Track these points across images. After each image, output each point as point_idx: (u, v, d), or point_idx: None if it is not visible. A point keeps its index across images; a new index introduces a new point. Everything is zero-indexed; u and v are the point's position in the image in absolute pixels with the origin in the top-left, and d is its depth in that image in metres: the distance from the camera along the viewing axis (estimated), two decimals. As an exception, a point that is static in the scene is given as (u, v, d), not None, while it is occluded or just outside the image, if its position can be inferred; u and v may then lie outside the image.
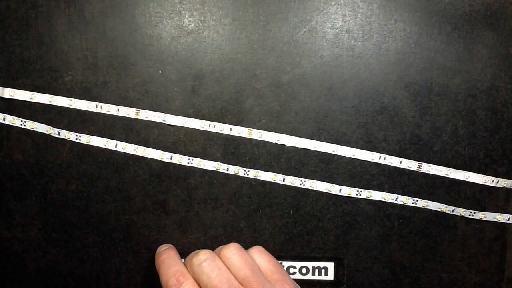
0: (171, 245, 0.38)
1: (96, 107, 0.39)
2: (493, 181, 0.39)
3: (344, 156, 0.39)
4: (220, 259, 0.34)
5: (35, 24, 0.38)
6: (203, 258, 0.33)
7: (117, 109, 0.39)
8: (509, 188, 0.39)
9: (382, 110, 0.39)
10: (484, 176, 0.39)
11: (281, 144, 0.39)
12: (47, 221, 0.40)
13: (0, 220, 0.39)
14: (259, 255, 0.35)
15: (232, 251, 0.34)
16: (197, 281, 0.33)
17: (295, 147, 0.39)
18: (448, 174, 0.39)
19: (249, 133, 0.39)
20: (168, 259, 0.35)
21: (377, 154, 0.39)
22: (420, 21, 0.38)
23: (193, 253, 0.35)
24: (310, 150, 0.39)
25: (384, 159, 0.39)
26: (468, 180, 0.39)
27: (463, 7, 0.38)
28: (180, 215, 0.40)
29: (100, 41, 0.38)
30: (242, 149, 0.39)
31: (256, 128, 0.39)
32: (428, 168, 0.39)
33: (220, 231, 0.40)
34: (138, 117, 0.39)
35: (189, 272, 0.34)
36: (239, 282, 0.33)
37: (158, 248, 0.38)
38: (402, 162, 0.39)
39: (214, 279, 0.32)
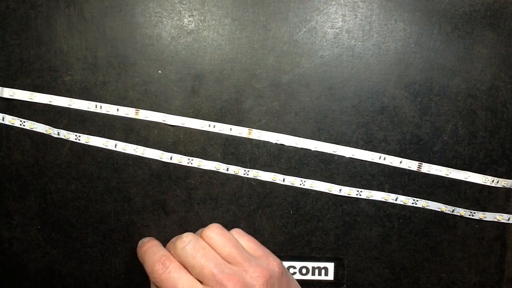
0: (152, 237, 0.38)
1: (96, 107, 0.38)
2: (493, 181, 0.39)
3: (344, 156, 0.39)
4: (203, 239, 0.34)
5: (34, 24, 0.38)
6: (186, 240, 0.33)
7: (116, 109, 0.39)
8: (509, 188, 0.39)
9: (382, 110, 0.39)
10: (484, 176, 0.39)
11: (281, 144, 0.39)
12: (46, 221, 0.40)
13: (-1, 220, 0.39)
14: (239, 236, 0.36)
15: (213, 230, 0.34)
16: (183, 264, 0.33)
17: (295, 147, 0.39)
18: (448, 174, 0.39)
19: (249, 133, 0.39)
20: (151, 248, 0.35)
21: (377, 154, 0.39)
22: (420, 21, 0.38)
23: (175, 238, 0.35)
24: (310, 150, 0.39)
25: (384, 159, 0.39)
26: (468, 180, 0.39)
27: (463, 7, 0.38)
28: (180, 215, 0.39)
29: (100, 41, 0.38)
30: (242, 149, 0.39)
31: (256, 128, 0.39)
32: (428, 168, 0.39)
33: (220, 231, 0.40)
34: (138, 117, 0.39)
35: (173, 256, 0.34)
36: (225, 260, 0.33)
37: (140, 242, 0.38)
38: (402, 162, 0.39)
39: (199, 259, 0.32)
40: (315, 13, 0.38)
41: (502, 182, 0.39)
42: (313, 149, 0.39)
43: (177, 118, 0.39)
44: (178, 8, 0.38)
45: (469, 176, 0.39)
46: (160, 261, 0.33)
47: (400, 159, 0.39)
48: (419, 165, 0.39)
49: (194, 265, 0.32)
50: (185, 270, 0.33)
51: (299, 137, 0.39)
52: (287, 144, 0.39)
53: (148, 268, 0.34)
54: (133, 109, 0.39)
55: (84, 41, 0.38)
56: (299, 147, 0.39)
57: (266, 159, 0.39)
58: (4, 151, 0.39)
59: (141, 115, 0.39)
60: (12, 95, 0.38)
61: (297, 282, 0.36)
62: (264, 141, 0.39)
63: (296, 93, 0.38)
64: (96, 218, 0.39)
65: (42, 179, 0.39)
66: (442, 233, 0.40)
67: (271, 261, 0.34)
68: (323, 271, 0.40)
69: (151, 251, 0.35)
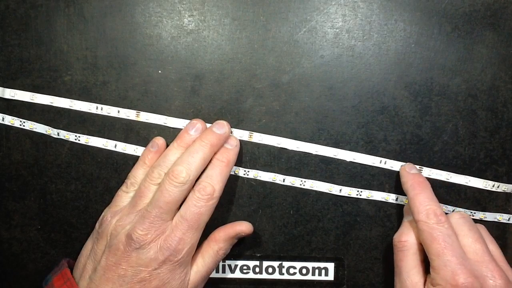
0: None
1: (97, 108, 0.38)
2: (493, 185, 0.39)
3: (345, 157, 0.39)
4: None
5: (34, 24, 0.38)
6: (464, 215, 0.36)
7: (117, 111, 0.39)
8: (510, 193, 0.39)
9: (382, 110, 0.39)
10: (485, 181, 0.39)
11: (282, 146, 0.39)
12: (46, 222, 0.40)
13: (-1, 220, 0.39)
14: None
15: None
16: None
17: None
18: (449, 178, 0.39)
19: (250, 137, 0.39)
20: (426, 191, 0.36)
21: (378, 158, 0.39)
22: (420, 21, 0.38)
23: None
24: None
25: (385, 163, 0.39)
26: (469, 184, 0.39)
27: (463, 7, 0.38)
28: (180, 215, 0.39)
29: (100, 41, 0.38)
30: (242, 149, 0.39)
31: (256, 128, 0.39)
32: (429, 172, 0.39)
33: (220, 231, 0.40)
34: (139, 119, 0.39)
35: None
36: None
37: (408, 167, 0.38)
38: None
39: (476, 233, 0.35)
40: (315, 13, 0.38)
41: (503, 187, 0.39)
42: (314, 153, 0.39)
43: (178, 121, 0.38)
44: (178, 8, 0.38)
45: (469, 181, 0.39)
46: (437, 214, 0.34)
47: (401, 163, 0.39)
48: (420, 169, 0.39)
49: (467, 235, 0.34)
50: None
51: (300, 136, 0.39)
52: (287, 147, 0.39)
53: (419, 209, 0.35)
54: (133, 111, 0.38)
55: (84, 41, 0.38)
56: (300, 150, 0.39)
57: (266, 159, 0.39)
58: (4, 151, 0.39)
59: (141, 117, 0.39)
60: (13, 96, 0.38)
61: None
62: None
63: (296, 93, 0.38)
64: (96, 218, 0.39)
65: (42, 179, 0.39)
66: (442, 233, 0.40)
67: None
68: (323, 271, 0.40)
69: (426, 195, 0.35)
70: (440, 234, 0.33)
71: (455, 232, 0.34)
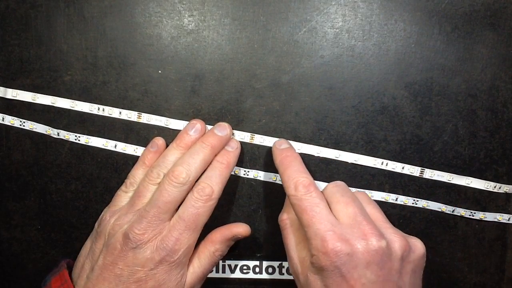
0: (291, 146, 0.38)
1: (98, 109, 0.38)
2: (495, 186, 0.39)
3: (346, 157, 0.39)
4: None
5: (34, 24, 0.38)
6: (339, 183, 0.36)
7: (119, 112, 0.39)
8: (510, 193, 0.39)
9: (382, 110, 0.39)
10: (486, 182, 0.39)
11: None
12: (46, 222, 0.40)
13: (-1, 220, 0.39)
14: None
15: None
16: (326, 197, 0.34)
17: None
18: (450, 179, 0.39)
19: (251, 138, 0.39)
20: (294, 164, 0.35)
21: (380, 160, 0.39)
22: (420, 21, 0.38)
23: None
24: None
25: (387, 164, 0.39)
26: (470, 185, 0.39)
27: (463, 7, 0.38)
28: (180, 215, 0.39)
29: (100, 41, 0.38)
30: (242, 149, 0.39)
31: (256, 128, 0.39)
32: (431, 174, 0.39)
33: (220, 231, 0.40)
34: (140, 120, 0.38)
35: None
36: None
37: (278, 143, 0.37)
38: (404, 168, 0.39)
39: (348, 197, 0.34)
40: (315, 13, 0.38)
41: (504, 188, 0.39)
42: (316, 154, 0.39)
43: (179, 122, 0.38)
44: (178, 8, 0.38)
45: (471, 182, 0.39)
46: (304, 185, 0.33)
47: (403, 164, 0.39)
48: (422, 171, 0.39)
49: (339, 201, 0.33)
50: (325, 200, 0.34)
51: (300, 136, 0.39)
52: (287, 144, 0.39)
53: (288, 184, 0.34)
54: (135, 113, 0.38)
55: (84, 41, 0.38)
56: (301, 152, 0.39)
57: (266, 159, 0.39)
58: (4, 151, 0.39)
59: (143, 118, 0.39)
60: (15, 96, 0.38)
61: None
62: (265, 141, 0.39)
63: (296, 93, 0.38)
64: (96, 218, 0.39)
65: (42, 179, 0.39)
66: (442, 233, 0.40)
67: (412, 238, 0.34)
68: (323, 271, 0.40)
69: (294, 168, 0.35)
70: (308, 205, 0.33)
71: (325, 201, 0.33)
